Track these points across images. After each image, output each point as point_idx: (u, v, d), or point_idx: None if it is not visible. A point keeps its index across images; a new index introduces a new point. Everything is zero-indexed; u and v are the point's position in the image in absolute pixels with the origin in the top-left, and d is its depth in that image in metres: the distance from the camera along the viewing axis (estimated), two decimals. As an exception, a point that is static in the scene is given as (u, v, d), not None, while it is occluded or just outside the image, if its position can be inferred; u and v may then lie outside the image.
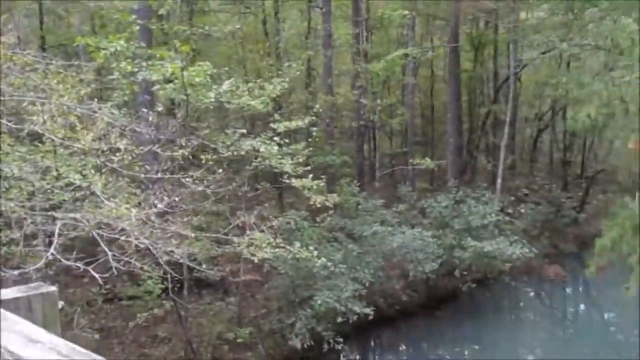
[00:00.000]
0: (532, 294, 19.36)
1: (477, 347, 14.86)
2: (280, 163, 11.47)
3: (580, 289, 20.69)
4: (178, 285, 11.86)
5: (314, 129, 13.38)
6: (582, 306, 19.18)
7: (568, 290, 19.97)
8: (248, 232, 10.79)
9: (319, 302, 12.18)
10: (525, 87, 26.51)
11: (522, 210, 22.14)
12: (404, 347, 15.53)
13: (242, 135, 11.22)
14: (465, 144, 25.18)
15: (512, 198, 22.02)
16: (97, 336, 11.26)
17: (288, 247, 10.78)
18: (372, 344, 15.03)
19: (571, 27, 19.61)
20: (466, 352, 14.76)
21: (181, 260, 9.84)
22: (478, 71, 26.15)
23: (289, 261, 12.16)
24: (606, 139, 27.01)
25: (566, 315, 18.29)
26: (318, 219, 14.02)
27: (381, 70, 17.23)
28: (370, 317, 12.69)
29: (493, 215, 16.15)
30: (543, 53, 20.84)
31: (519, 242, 15.51)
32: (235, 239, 10.43)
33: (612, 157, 27.31)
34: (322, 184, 11.86)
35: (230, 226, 10.93)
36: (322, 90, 17.84)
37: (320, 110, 13.87)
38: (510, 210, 20.01)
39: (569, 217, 23.56)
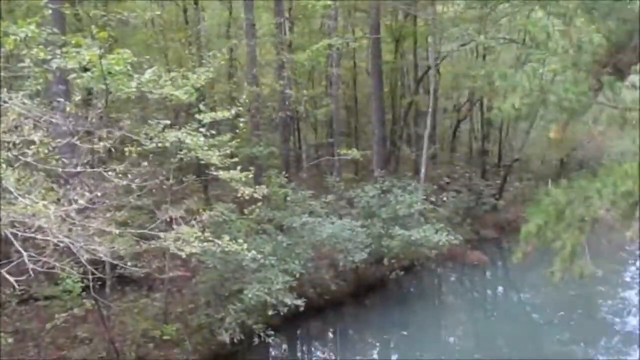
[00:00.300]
0: (456, 279, 20.01)
1: (404, 332, 15.16)
2: (207, 155, 11.18)
3: (501, 273, 21.58)
4: (100, 283, 11.31)
5: (242, 119, 13.10)
6: (502, 289, 19.97)
7: (489, 274, 20.77)
8: (175, 226, 10.45)
9: (249, 295, 12.00)
10: (443, 78, 27.25)
11: (445, 199, 22.82)
12: (332, 336, 15.63)
13: (166, 126, 10.81)
14: (388, 134, 25.60)
15: (435, 187, 22.69)
16: (10, 340, 10.56)
17: (217, 240, 10.53)
18: (301, 334, 15.01)
19: (486, 20, 20.30)
20: (393, 338, 15.02)
21: (104, 258, 9.37)
22: (399, 63, 26.63)
23: (218, 255, 11.89)
24: (521, 129, 28.33)
25: (488, 298, 19.02)
26: (246, 211, 13.79)
27: (306, 60, 17.16)
28: (301, 308, 12.63)
29: (419, 203, 16.50)
30: (462, 45, 21.47)
31: (445, 230, 15.95)
32: (162, 234, 10.07)
33: (527, 147, 28.60)
34: (251, 176, 11.63)
35: (158, 221, 10.52)
36: (246, 80, 17.54)
37: (247, 101, 13.61)
38: (433, 199, 20.57)
39: (489, 204, 24.53)
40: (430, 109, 20.63)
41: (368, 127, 24.47)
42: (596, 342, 14.78)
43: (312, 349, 14.86)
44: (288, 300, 12.29)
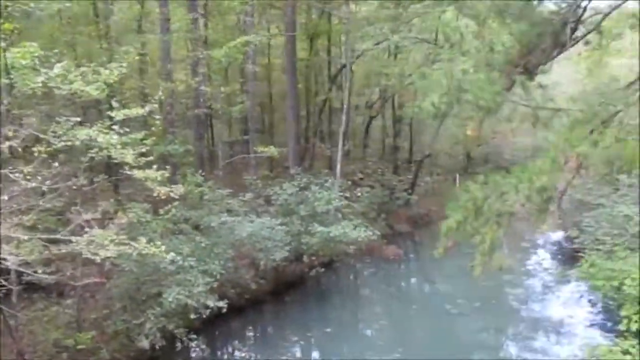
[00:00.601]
0: (374, 273, 20.36)
1: (323, 327, 15.27)
2: (122, 154, 10.67)
3: (416, 266, 22.20)
4: (4, 291, 10.54)
5: (157, 117, 12.64)
6: (418, 282, 20.54)
7: (404, 267, 21.33)
8: (87, 229, 9.92)
9: (169, 299, 11.62)
10: (355, 76, 27.67)
11: (359, 194, 23.17)
12: (254, 336, 15.50)
13: (76, 124, 10.22)
14: (303, 131, 25.68)
15: (349, 182, 22.98)
16: None
17: (133, 243, 10.11)
18: (223, 335, 14.75)
19: (400, 20, 20.78)
20: (315, 335, 15.10)
21: (10, 266, 8.75)
22: (314, 60, 26.75)
23: (134, 257, 11.40)
24: (430, 126, 29.32)
25: (405, 292, 19.47)
26: (162, 211, 13.34)
27: (222, 57, 16.83)
28: (223, 310, 12.39)
29: (337, 200, 16.67)
30: (376, 44, 21.87)
31: (363, 225, 16.22)
32: (73, 238, 9.54)
33: (435, 143, 29.63)
34: (167, 174, 11.23)
35: (72, 225, 9.93)
36: (159, 76, 16.95)
37: (162, 97, 13.14)
38: (348, 194, 20.84)
39: (402, 199, 25.17)
40: (345, 106, 20.85)
41: (283, 124, 24.39)
42: (506, 329, 15.59)
43: (235, 350, 14.64)
44: (210, 303, 12.01)
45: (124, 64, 11.69)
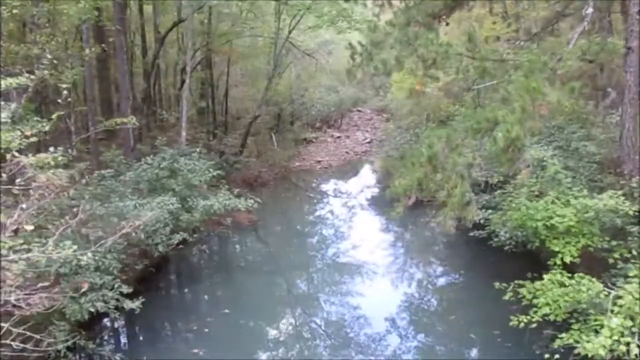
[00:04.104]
0: (240, 242, 19.62)
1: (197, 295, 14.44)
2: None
3: (272, 230, 21.72)
4: None
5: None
6: (281, 245, 20.03)
7: (263, 233, 20.73)
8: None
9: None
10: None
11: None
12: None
13: None
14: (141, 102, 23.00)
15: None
16: None
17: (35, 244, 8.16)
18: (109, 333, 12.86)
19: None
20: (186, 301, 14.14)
21: None
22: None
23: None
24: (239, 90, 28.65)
25: (275, 256, 18.98)
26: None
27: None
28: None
29: (212, 170, 15.55)
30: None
31: (242, 195, 15.43)
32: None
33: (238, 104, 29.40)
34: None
35: None
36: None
37: None
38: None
39: (240, 163, 24.49)
40: (188, 68, 19.25)
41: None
42: (355, 274, 16.36)
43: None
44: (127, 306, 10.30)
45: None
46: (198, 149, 17.03)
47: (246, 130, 26.45)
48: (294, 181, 28.73)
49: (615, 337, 7.85)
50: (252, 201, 15.39)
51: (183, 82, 28.12)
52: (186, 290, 15.89)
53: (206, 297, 15.16)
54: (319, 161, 32.08)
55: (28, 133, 9.07)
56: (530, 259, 13.22)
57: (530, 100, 8.69)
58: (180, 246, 15.16)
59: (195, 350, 11.67)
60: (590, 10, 10.84)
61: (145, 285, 13.63)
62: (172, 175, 15.18)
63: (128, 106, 18.14)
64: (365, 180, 29.47)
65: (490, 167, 12.90)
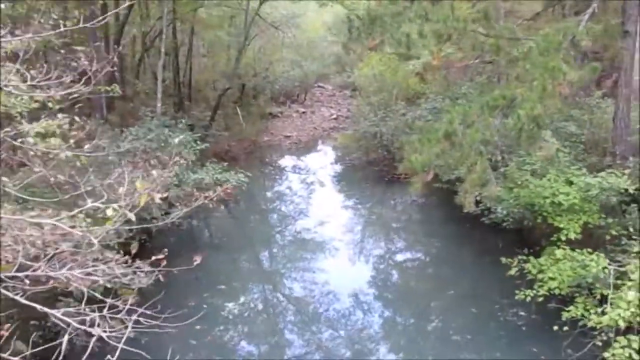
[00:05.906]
0: (219, 214, 19.35)
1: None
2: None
3: (252, 202, 21.47)
4: None
5: None
6: (265, 217, 20.02)
7: (244, 205, 20.56)
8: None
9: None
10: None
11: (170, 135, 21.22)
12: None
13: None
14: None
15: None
16: None
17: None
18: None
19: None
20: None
21: None
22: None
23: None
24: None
25: (265, 228, 18.89)
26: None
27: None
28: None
29: (198, 142, 15.10)
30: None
31: (234, 170, 15.14)
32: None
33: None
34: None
35: None
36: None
37: None
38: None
39: (213, 137, 23.94)
40: (163, 36, 18.53)
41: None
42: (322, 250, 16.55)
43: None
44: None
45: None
46: (184, 120, 16.47)
47: (216, 102, 25.85)
48: (264, 156, 28.42)
49: (633, 309, 8.20)
50: (242, 175, 15.09)
51: (147, 50, 27.43)
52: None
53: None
54: (288, 136, 31.76)
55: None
56: (521, 236, 13.60)
57: (550, 79, 8.81)
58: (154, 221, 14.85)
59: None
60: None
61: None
62: (160, 148, 14.69)
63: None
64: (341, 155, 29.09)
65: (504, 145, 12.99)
